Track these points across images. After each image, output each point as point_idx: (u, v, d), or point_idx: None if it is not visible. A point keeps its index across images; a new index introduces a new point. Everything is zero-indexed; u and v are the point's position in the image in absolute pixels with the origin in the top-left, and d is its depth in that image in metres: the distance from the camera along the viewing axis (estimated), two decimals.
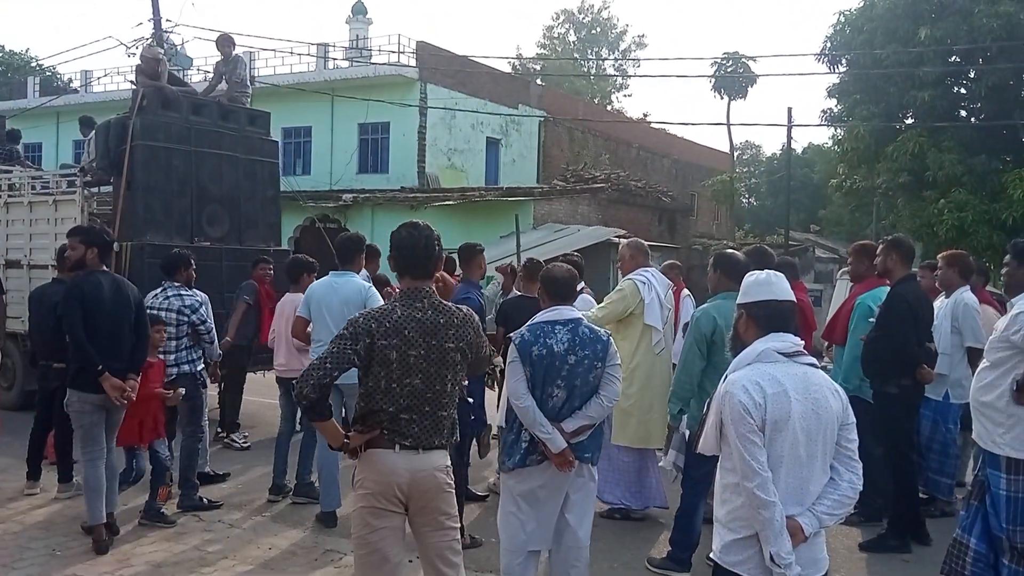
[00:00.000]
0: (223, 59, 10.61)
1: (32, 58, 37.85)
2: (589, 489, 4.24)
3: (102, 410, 5.39)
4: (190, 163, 9.48)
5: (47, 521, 5.76)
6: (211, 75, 11.49)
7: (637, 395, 5.96)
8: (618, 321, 6.01)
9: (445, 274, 3.75)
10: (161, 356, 6.06)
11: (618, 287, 6.22)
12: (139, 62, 10.04)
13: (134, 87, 9.87)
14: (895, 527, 5.66)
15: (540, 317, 4.20)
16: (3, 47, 38.33)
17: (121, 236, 9.00)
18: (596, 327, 4.28)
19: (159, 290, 6.41)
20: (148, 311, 5.94)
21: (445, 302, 3.50)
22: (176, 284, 6.43)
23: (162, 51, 11.44)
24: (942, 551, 4.68)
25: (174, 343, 6.23)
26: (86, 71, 30.58)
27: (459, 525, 3.59)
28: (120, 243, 8.86)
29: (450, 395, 3.41)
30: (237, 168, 9.97)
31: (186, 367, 6.32)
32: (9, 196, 10.03)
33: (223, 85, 10.48)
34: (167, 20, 17.80)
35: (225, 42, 10.54)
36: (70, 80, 32.55)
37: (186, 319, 6.30)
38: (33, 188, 9.93)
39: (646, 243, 6.70)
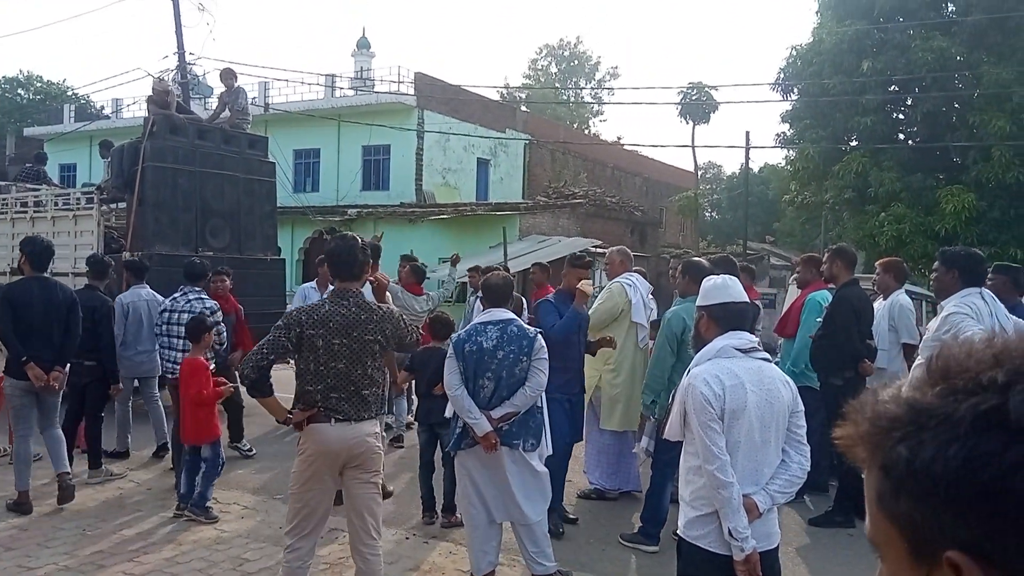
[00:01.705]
0: (227, 90, 10.57)
1: (68, 87, 37.55)
2: (528, 471, 4.20)
3: (32, 395, 5.53)
4: (195, 182, 9.51)
5: (78, 503, 5.67)
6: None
7: (624, 385, 5.91)
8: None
9: (380, 276, 3.89)
10: (181, 354, 6.00)
11: (606, 288, 6.14)
12: (151, 93, 10.06)
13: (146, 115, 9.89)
14: (841, 504, 5.65)
15: (477, 319, 4.34)
16: (41, 77, 38.00)
17: (133, 247, 9.10)
18: (526, 326, 4.32)
19: (179, 293, 6.36)
20: (186, 313, 6.07)
21: (369, 301, 3.71)
22: (196, 289, 6.38)
23: (172, 83, 11.42)
24: None
25: (185, 342, 6.12)
26: (117, 99, 30.44)
27: (380, 481, 3.84)
28: (132, 253, 8.94)
29: (371, 377, 3.67)
30: (237, 186, 9.98)
31: None
32: (35, 211, 10.07)
33: (226, 113, 10.46)
34: (190, 53, 17.57)
35: (228, 75, 10.51)
36: (102, 107, 32.30)
37: None
38: (56, 205, 9.96)
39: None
